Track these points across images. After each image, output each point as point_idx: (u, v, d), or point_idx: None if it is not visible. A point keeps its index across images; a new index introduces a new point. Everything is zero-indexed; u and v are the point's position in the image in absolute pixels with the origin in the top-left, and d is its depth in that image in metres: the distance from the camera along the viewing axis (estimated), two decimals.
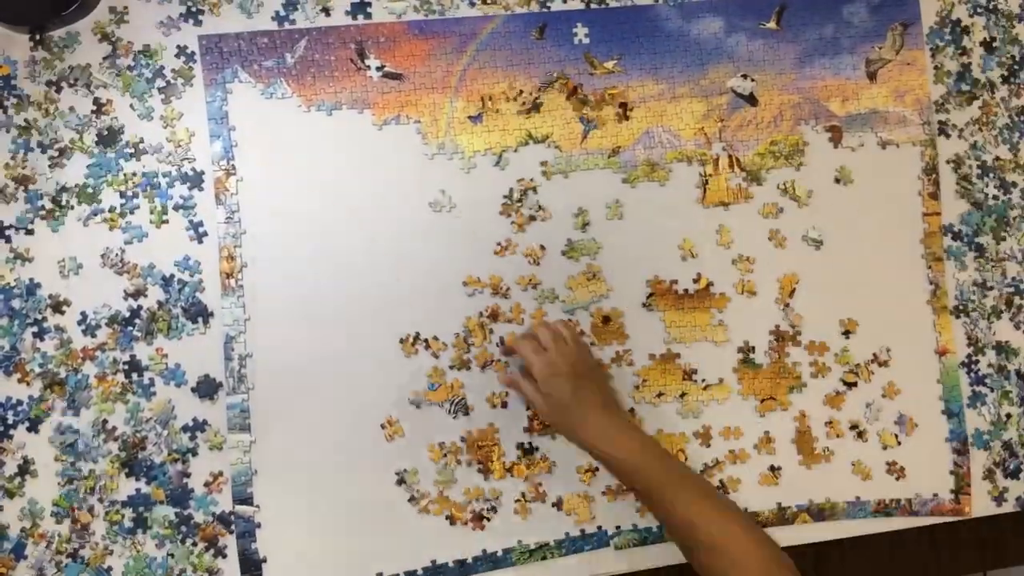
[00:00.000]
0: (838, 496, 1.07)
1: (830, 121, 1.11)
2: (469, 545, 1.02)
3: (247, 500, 0.99)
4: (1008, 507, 1.10)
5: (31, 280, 0.99)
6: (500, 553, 1.02)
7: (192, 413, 0.99)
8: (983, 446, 1.10)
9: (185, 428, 0.99)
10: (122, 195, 1.00)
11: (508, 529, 1.03)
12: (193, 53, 1.02)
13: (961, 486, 1.09)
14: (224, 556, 0.99)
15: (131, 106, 1.01)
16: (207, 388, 1.00)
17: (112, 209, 1.00)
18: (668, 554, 1.03)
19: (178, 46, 1.02)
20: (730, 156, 1.09)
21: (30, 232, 0.99)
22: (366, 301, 1.02)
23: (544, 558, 1.02)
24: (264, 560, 0.99)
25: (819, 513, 1.07)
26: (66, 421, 0.98)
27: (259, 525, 0.99)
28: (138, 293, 0.99)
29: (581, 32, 1.07)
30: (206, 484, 0.99)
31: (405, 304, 1.03)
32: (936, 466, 1.09)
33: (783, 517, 1.06)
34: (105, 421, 0.98)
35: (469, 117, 1.05)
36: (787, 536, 1.05)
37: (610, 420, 0.95)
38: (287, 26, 1.03)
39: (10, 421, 0.97)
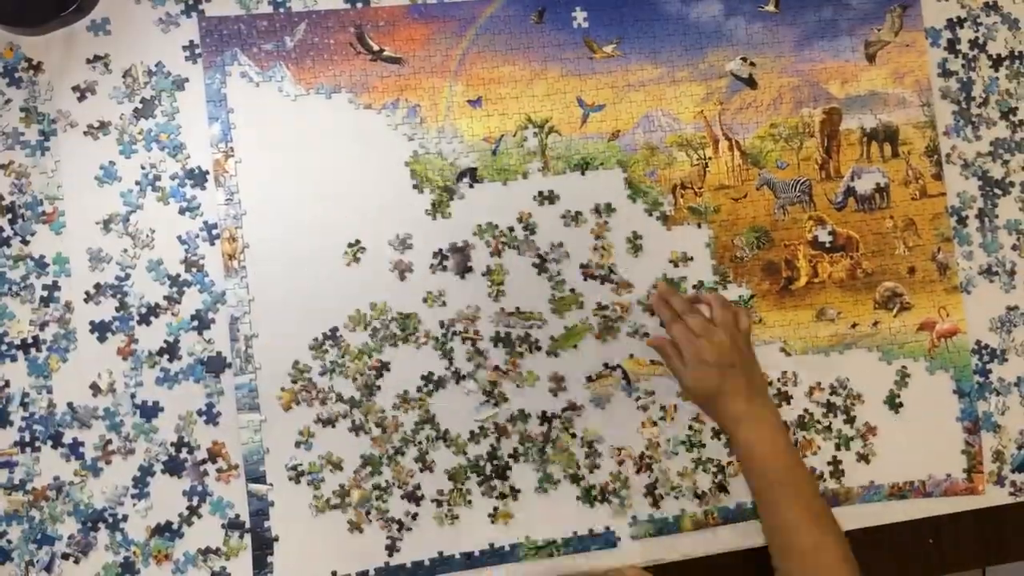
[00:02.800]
0: (851, 481, 1.06)
1: (829, 103, 1.10)
2: (477, 538, 1.01)
3: (260, 479, 0.98)
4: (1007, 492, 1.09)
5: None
6: (507, 548, 1.00)
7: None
8: (991, 428, 1.08)
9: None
10: (124, 196, 1.00)
11: (517, 524, 1.01)
12: (196, 46, 1.01)
13: (973, 465, 1.07)
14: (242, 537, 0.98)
15: (132, 105, 1.01)
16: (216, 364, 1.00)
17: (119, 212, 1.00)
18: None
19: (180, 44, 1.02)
20: (729, 139, 1.09)
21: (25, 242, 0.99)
22: (366, 282, 1.01)
23: (551, 555, 1.01)
24: (276, 539, 0.98)
25: (834, 499, 1.05)
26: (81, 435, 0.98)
27: (272, 503, 0.98)
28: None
29: (580, 16, 1.07)
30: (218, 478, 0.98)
31: (405, 283, 1.02)
32: (949, 446, 1.07)
33: None
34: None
35: (468, 101, 1.05)
36: None
37: (749, 408, 0.96)
38: (283, 11, 1.03)
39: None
